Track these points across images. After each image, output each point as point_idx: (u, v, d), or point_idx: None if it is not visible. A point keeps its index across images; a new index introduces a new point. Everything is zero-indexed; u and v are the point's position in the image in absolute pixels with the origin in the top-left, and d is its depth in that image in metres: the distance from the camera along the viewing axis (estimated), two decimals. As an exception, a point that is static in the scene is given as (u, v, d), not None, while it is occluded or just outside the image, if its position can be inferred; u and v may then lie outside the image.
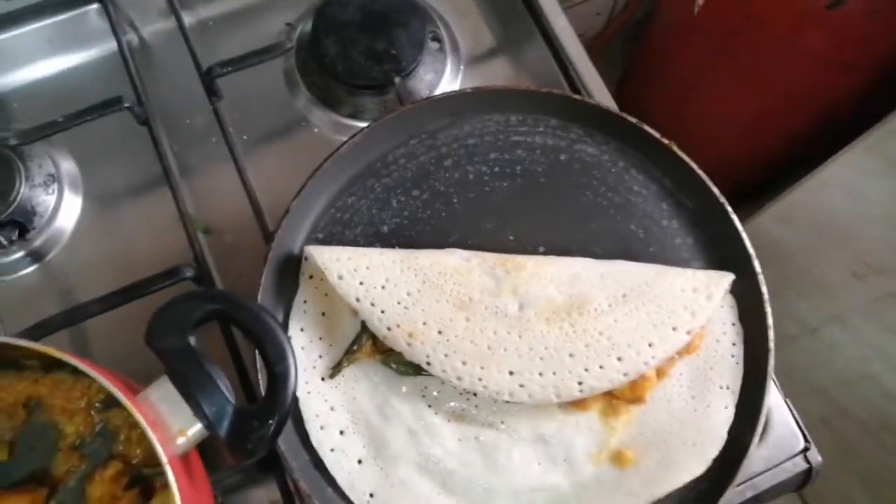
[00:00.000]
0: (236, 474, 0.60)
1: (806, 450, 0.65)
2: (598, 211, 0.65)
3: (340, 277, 0.59)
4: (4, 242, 0.69)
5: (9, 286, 0.71)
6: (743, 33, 1.18)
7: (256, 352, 0.54)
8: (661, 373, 0.60)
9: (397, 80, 0.73)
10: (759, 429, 0.57)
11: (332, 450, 0.58)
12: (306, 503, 0.56)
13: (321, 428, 0.58)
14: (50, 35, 0.78)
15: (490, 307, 0.59)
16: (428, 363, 0.57)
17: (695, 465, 0.57)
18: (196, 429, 0.49)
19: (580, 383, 0.57)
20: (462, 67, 0.80)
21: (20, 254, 0.71)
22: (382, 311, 0.59)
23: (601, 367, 0.57)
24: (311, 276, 0.62)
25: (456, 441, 0.58)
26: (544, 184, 0.65)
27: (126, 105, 0.69)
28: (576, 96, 0.69)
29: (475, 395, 0.59)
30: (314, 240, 0.63)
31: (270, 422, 0.49)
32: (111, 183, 0.74)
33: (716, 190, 0.63)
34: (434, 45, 0.78)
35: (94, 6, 0.77)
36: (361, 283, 0.59)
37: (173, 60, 0.77)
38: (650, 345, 0.58)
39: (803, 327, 1.15)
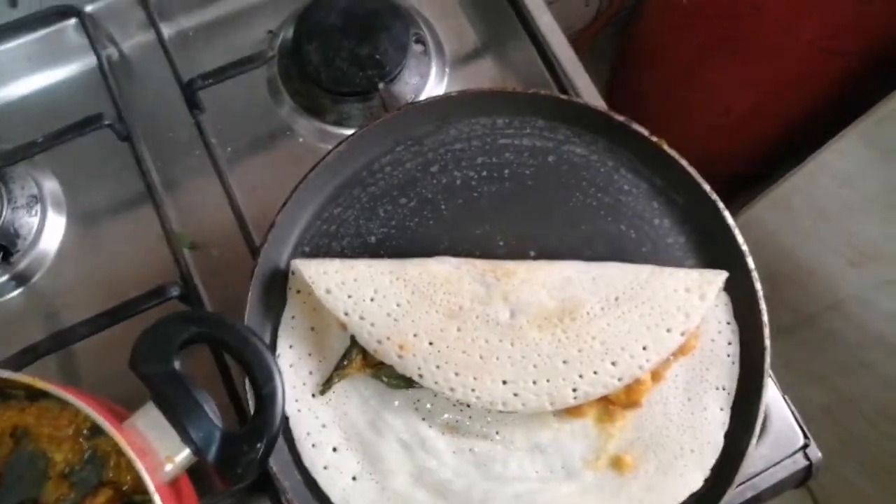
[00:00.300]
0: (228, 497, 0.60)
1: (805, 446, 0.64)
2: (589, 212, 0.64)
3: (328, 291, 0.59)
4: (-12, 266, 0.69)
5: (-6, 310, 0.70)
6: (734, 22, 1.17)
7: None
8: (656, 376, 0.59)
9: (381, 85, 0.72)
10: (757, 429, 0.57)
11: (325, 468, 0.57)
12: (301, 523, 0.56)
13: (313, 446, 0.57)
14: (28, 53, 0.77)
15: (481, 316, 0.58)
16: (420, 375, 0.57)
17: (694, 473, 0.57)
18: (184, 455, 0.48)
19: (574, 390, 0.56)
20: (447, 70, 0.79)
21: (4, 277, 0.70)
22: (372, 325, 0.58)
23: (595, 373, 0.56)
24: (298, 291, 0.61)
25: (451, 454, 0.58)
26: (533, 187, 0.64)
27: (107, 122, 0.68)
28: (562, 96, 0.68)
29: (468, 406, 0.58)
30: (301, 253, 0.62)
31: (259, 445, 0.48)
32: (95, 202, 0.73)
33: (707, 186, 0.62)
34: (418, 48, 0.77)
35: (72, 21, 0.76)
36: (350, 297, 0.58)
37: (154, 74, 0.76)
38: (644, 348, 0.57)
39: (801, 316, 1.14)
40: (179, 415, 0.48)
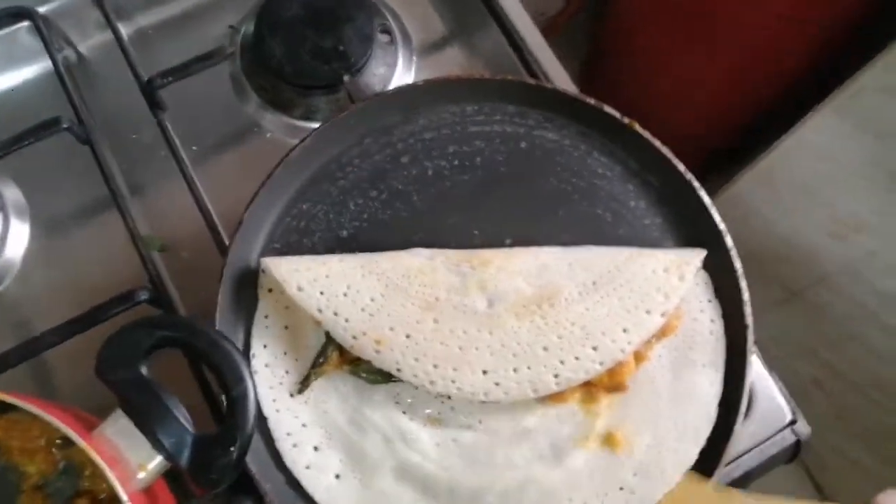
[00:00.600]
0: (208, 502, 0.58)
1: (793, 422, 0.64)
2: (564, 197, 0.63)
3: (300, 289, 0.57)
4: (-48, 279, 0.67)
5: (-39, 323, 0.68)
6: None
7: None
8: (639, 357, 0.58)
9: (346, 78, 0.70)
10: (744, 407, 0.56)
11: (307, 467, 0.56)
12: (285, 525, 0.55)
13: (294, 446, 0.56)
14: (-20, 58, 0.75)
15: (458, 306, 0.57)
16: (398, 370, 0.55)
17: (688, 447, 0.55)
18: (156, 462, 0.48)
19: (556, 376, 0.55)
20: (415, 58, 0.78)
21: (-31, 289, 0.68)
22: (346, 320, 0.56)
23: (576, 358, 0.56)
24: (270, 290, 0.60)
25: (434, 446, 0.57)
26: (506, 174, 0.63)
27: (65, 126, 0.66)
28: (531, 81, 0.67)
29: (449, 398, 0.57)
30: (272, 250, 0.61)
31: (232, 448, 0.47)
32: (60, 207, 0.71)
33: (681, 166, 0.61)
34: (384, 38, 0.76)
35: (25, 24, 0.74)
36: (322, 293, 0.57)
37: (114, 74, 0.74)
38: (625, 331, 0.56)
39: (788, 291, 1.14)
40: (149, 421, 0.47)
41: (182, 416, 0.48)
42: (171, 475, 0.50)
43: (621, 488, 0.55)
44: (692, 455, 0.56)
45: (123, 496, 0.45)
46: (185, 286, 0.67)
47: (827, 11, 1.05)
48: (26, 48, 0.75)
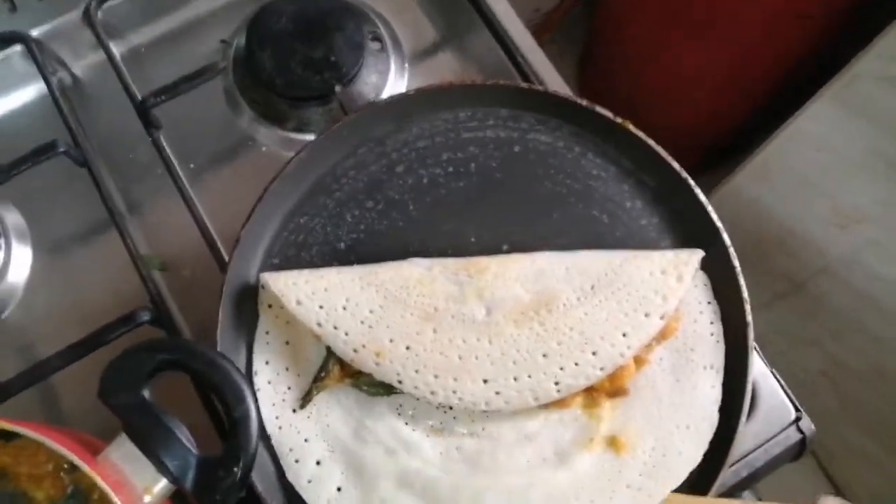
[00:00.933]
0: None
1: (798, 419, 0.63)
2: (559, 200, 0.62)
3: (299, 303, 0.57)
4: (-45, 306, 0.67)
5: (-34, 350, 0.68)
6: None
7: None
8: (640, 361, 0.58)
9: (338, 88, 0.70)
10: (747, 406, 0.56)
11: (309, 481, 0.56)
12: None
13: (296, 461, 0.56)
14: (-25, 84, 0.76)
15: (457, 315, 0.57)
16: (399, 381, 0.56)
17: (692, 449, 0.55)
18: (161, 485, 0.48)
19: (557, 383, 0.55)
20: (407, 65, 0.78)
21: (-26, 315, 0.69)
22: (346, 334, 0.57)
23: (576, 364, 0.56)
24: (270, 306, 0.60)
25: (437, 455, 0.57)
26: (501, 179, 0.63)
27: (61, 150, 0.66)
28: (522, 84, 0.67)
29: (451, 408, 0.57)
30: (270, 266, 0.61)
31: (236, 469, 0.47)
32: (60, 230, 0.72)
33: (676, 165, 0.61)
34: (375, 46, 0.76)
35: (17, 48, 0.74)
36: (321, 307, 0.57)
37: (109, 94, 0.74)
38: (624, 335, 0.56)
39: (791, 283, 1.13)
40: (152, 444, 0.48)
41: (185, 437, 0.48)
42: (176, 496, 0.50)
43: (628, 486, 0.55)
44: (697, 456, 0.55)
45: (129, 520, 0.45)
46: (186, 304, 0.67)
47: (823, 6, 1.05)
48: (20, 72, 0.75)
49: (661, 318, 0.57)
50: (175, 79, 0.70)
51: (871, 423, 1.13)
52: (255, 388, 0.57)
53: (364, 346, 0.56)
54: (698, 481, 0.55)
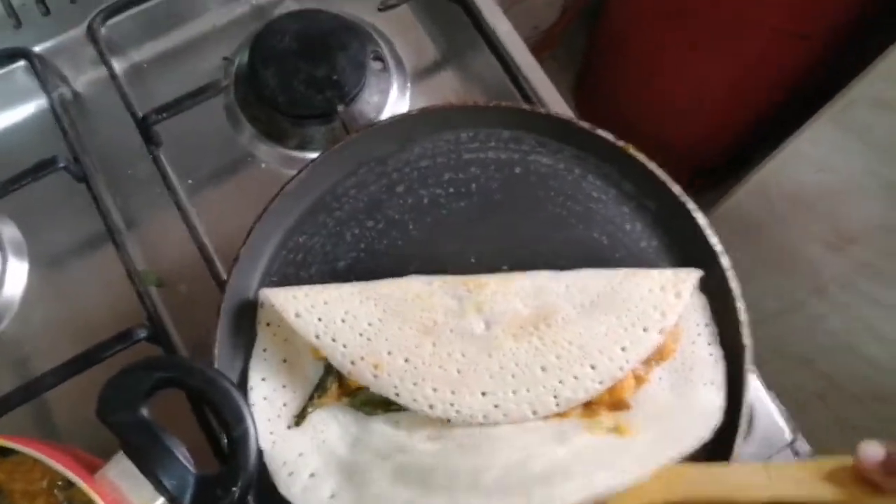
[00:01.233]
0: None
1: (793, 441, 0.63)
2: (559, 222, 0.63)
3: (298, 315, 0.57)
4: (-49, 319, 0.67)
5: (-39, 364, 0.68)
6: (698, 7, 1.17)
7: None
8: (639, 380, 0.58)
9: (340, 108, 0.71)
10: (744, 426, 0.56)
11: (302, 490, 0.55)
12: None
13: (290, 475, 0.55)
14: (-23, 99, 0.76)
15: (456, 329, 0.57)
16: (397, 394, 0.55)
17: (699, 431, 0.55)
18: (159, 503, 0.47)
19: (556, 396, 0.55)
20: (409, 84, 0.78)
21: (-31, 329, 0.68)
22: (344, 346, 0.56)
23: (575, 378, 0.55)
24: (268, 324, 0.60)
25: (435, 450, 0.55)
26: (501, 200, 0.63)
27: (61, 165, 0.67)
28: (524, 106, 0.67)
29: (449, 421, 0.57)
30: (269, 284, 0.61)
31: (234, 488, 0.47)
32: (58, 245, 0.72)
33: (676, 188, 0.61)
34: (377, 65, 0.76)
35: (21, 63, 0.74)
36: (320, 320, 0.57)
37: (110, 110, 0.75)
38: (623, 349, 0.56)
39: (786, 302, 1.14)
40: (151, 463, 0.47)
41: (183, 456, 0.48)
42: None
43: (631, 457, 0.53)
44: (705, 434, 0.54)
45: (126, 540, 0.45)
46: (183, 320, 0.67)
47: (823, 26, 1.06)
48: (22, 87, 0.75)
49: (660, 332, 0.57)
50: (177, 96, 0.71)
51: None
52: (251, 403, 0.57)
53: (362, 359, 0.56)
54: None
